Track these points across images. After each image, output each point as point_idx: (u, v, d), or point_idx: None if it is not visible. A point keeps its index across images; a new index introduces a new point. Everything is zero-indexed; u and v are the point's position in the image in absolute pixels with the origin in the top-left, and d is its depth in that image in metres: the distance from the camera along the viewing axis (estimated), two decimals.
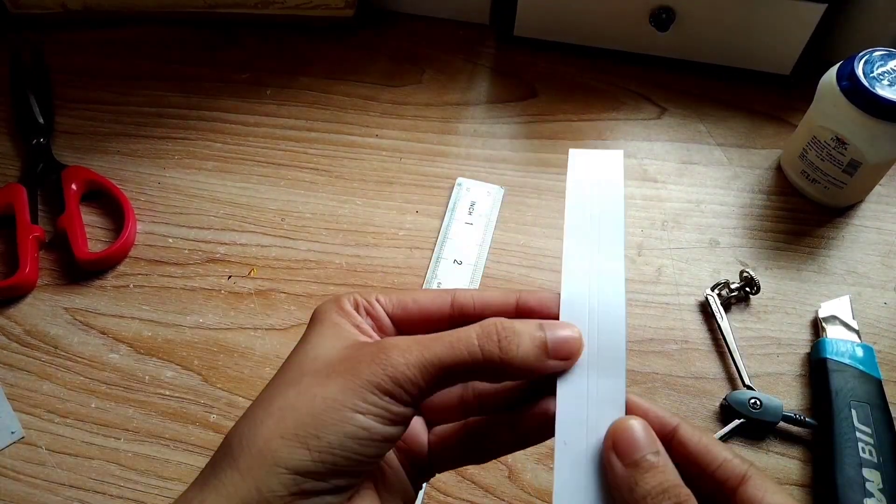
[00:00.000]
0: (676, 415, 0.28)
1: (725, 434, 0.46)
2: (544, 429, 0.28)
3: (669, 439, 0.27)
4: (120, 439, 0.46)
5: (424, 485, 0.44)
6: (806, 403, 0.48)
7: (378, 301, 0.30)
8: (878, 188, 0.57)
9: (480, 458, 0.32)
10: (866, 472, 0.43)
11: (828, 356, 0.47)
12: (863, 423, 0.45)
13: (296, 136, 0.60)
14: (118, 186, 0.56)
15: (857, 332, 0.49)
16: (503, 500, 0.44)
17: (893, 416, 0.46)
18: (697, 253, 0.54)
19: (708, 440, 0.27)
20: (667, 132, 0.61)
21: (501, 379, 0.29)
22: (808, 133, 0.54)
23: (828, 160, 0.53)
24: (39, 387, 0.48)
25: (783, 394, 0.48)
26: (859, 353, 0.48)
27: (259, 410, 0.26)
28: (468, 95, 0.63)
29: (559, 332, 0.28)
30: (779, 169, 0.58)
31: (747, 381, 0.47)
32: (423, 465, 0.31)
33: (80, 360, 0.49)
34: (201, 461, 0.45)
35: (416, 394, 0.26)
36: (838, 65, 0.51)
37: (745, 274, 0.51)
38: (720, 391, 0.48)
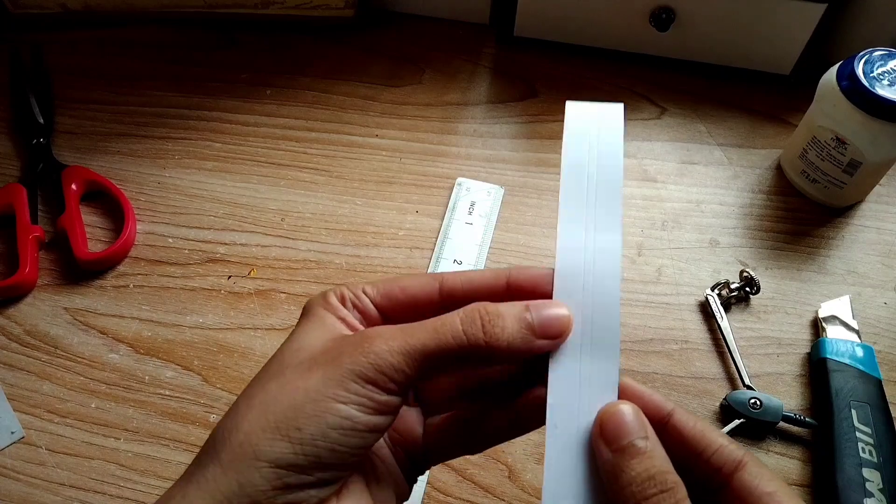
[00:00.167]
0: (671, 400, 0.27)
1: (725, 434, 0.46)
2: (539, 415, 0.27)
3: (664, 424, 0.26)
4: (120, 439, 0.46)
5: (425, 485, 0.44)
6: (806, 403, 0.48)
7: (365, 292, 0.29)
8: (878, 188, 0.57)
9: (476, 447, 0.31)
10: (866, 472, 0.43)
11: (828, 356, 0.47)
12: (863, 423, 0.45)
13: (296, 136, 0.60)
14: (118, 186, 0.56)
15: (857, 332, 0.49)
16: (503, 500, 0.44)
17: (893, 416, 0.46)
18: (697, 253, 0.54)
19: (703, 426, 0.26)
20: (667, 132, 0.61)
21: (491, 363, 0.28)
22: (808, 133, 0.54)
23: (828, 160, 0.53)
24: (39, 387, 0.48)
25: (783, 394, 0.48)
26: (859, 353, 0.48)
27: (242, 404, 0.26)
28: (468, 95, 0.63)
29: (546, 311, 0.27)
30: (779, 169, 0.58)
31: (747, 381, 0.47)
32: (418, 457, 0.31)
33: (80, 360, 0.49)
34: None
35: (401, 381, 0.26)
36: (838, 65, 0.51)
37: (745, 274, 0.51)
38: (720, 391, 0.48)
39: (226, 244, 0.54)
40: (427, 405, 0.31)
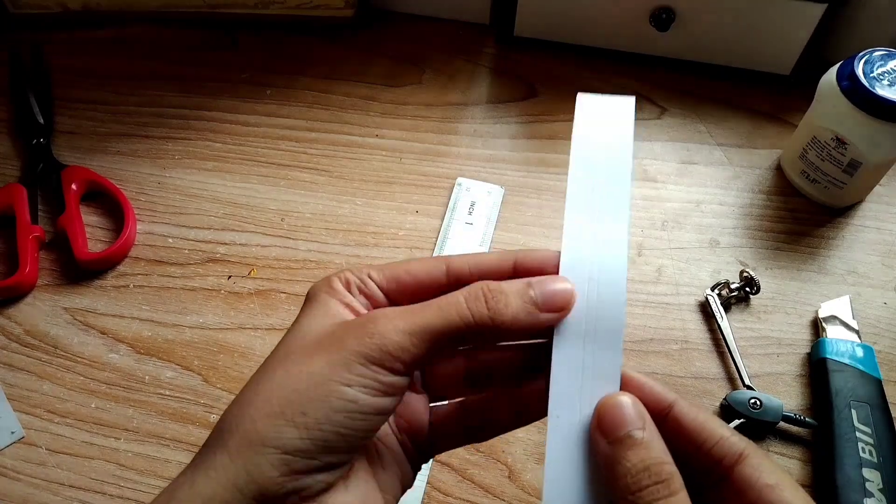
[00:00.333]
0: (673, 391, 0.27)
1: None
2: (543, 404, 0.27)
3: (665, 415, 0.26)
4: (120, 439, 0.46)
5: (425, 485, 0.44)
6: (806, 403, 0.48)
7: (370, 277, 0.29)
8: (878, 188, 0.57)
9: (481, 435, 0.31)
10: (866, 472, 0.43)
11: (828, 356, 0.47)
12: (863, 423, 0.45)
13: (296, 136, 0.60)
14: (118, 186, 0.56)
15: (857, 332, 0.49)
16: (503, 500, 0.44)
17: (893, 416, 0.46)
18: (697, 253, 0.54)
19: (705, 417, 0.26)
20: (667, 132, 0.61)
21: (497, 340, 0.28)
22: (808, 133, 0.54)
23: (828, 160, 0.53)
24: (39, 387, 0.48)
25: (783, 394, 0.48)
26: (859, 353, 0.48)
27: (248, 392, 0.26)
28: (468, 95, 0.63)
29: (549, 285, 0.27)
30: (779, 169, 0.58)
31: (747, 381, 0.47)
32: (424, 444, 0.31)
33: (80, 360, 0.49)
34: None
35: (406, 361, 0.25)
36: (838, 65, 0.51)
37: (745, 274, 0.51)
38: (720, 391, 0.48)
39: (226, 244, 0.54)
40: (433, 392, 0.31)
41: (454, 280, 0.29)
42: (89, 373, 0.48)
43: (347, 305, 0.28)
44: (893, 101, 0.48)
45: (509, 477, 0.45)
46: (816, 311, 0.51)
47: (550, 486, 0.26)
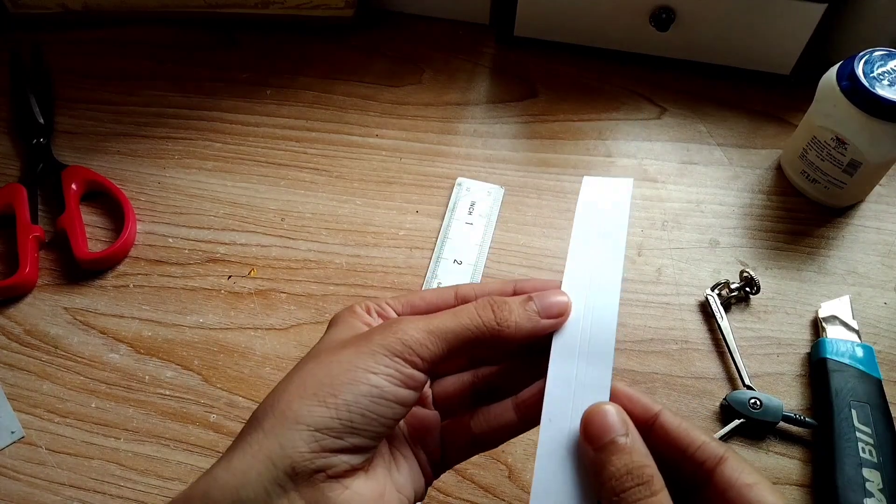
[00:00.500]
0: (671, 400, 0.30)
1: (725, 434, 0.46)
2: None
3: (651, 424, 0.29)
4: (120, 439, 0.46)
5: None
6: (806, 403, 0.48)
7: (389, 304, 0.33)
8: (878, 188, 0.57)
9: (490, 444, 0.33)
10: (866, 472, 0.43)
11: (828, 356, 0.47)
12: (863, 423, 0.45)
13: (296, 136, 0.60)
14: (118, 186, 0.56)
15: (857, 332, 0.49)
16: (503, 500, 0.44)
17: (893, 416, 0.46)
18: (697, 253, 0.54)
19: (688, 425, 0.28)
20: (667, 132, 0.61)
21: (503, 346, 0.30)
22: (808, 133, 0.54)
23: (828, 160, 0.53)
24: (39, 387, 0.48)
25: (783, 394, 0.48)
26: (859, 353, 0.48)
27: (282, 384, 0.29)
28: (468, 95, 0.63)
29: (547, 298, 0.31)
30: (779, 169, 0.58)
31: (747, 381, 0.47)
32: (437, 458, 0.33)
33: (80, 360, 0.49)
34: (201, 461, 0.45)
35: (425, 357, 0.28)
36: (838, 65, 0.51)
37: (745, 274, 0.51)
38: (720, 391, 0.48)
39: (226, 244, 0.54)
40: (443, 410, 0.34)
41: (461, 302, 0.33)
42: (89, 373, 0.48)
43: (367, 325, 0.31)
44: (893, 101, 0.48)
45: (509, 477, 0.45)
46: (816, 311, 0.51)
47: (539, 486, 0.28)
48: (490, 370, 0.34)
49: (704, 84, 0.63)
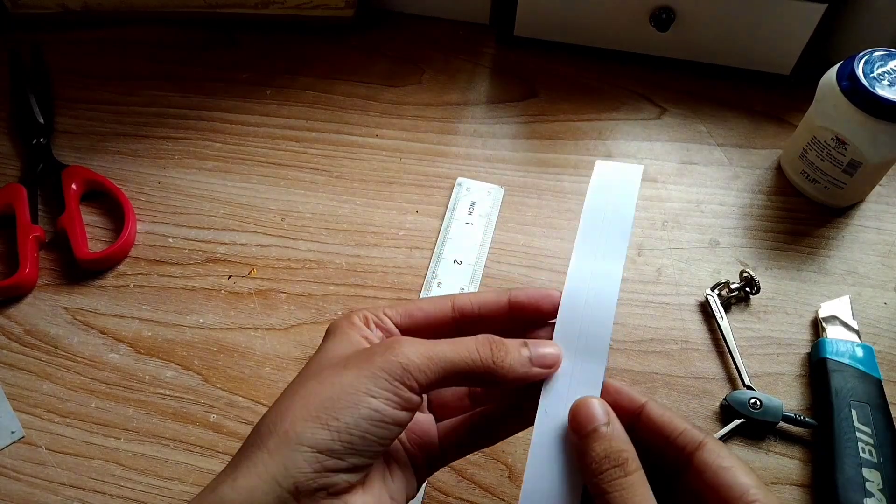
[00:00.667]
0: (670, 400, 0.32)
1: (725, 434, 0.46)
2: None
3: (637, 414, 0.31)
4: (120, 439, 0.46)
5: (425, 485, 0.44)
6: (806, 403, 0.48)
7: (386, 314, 0.33)
8: (878, 188, 0.57)
9: (488, 441, 0.35)
10: (866, 472, 0.43)
11: (828, 356, 0.47)
12: (863, 423, 0.45)
13: (296, 136, 0.60)
14: (118, 186, 0.56)
15: (857, 332, 0.49)
16: (503, 500, 0.44)
17: (893, 416, 0.46)
18: (697, 253, 0.54)
19: (671, 415, 0.31)
20: (667, 132, 0.61)
21: (494, 384, 0.32)
22: (808, 133, 0.54)
23: (828, 160, 0.53)
24: (39, 387, 0.48)
25: (783, 394, 0.48)
26: (859, 353, 0.48)
27: (285, 400, 0.29)
28: (468, 95, 0.63)
29: (541, 349, 0.32)
30: (779, 169, 0.58)
31: (747, 381, 0.47)
32: (435, 456, 0.35)
33: (80, 360, 0.49)
34: (201, 461, 0.45)
35: (422, 382, 0.29)
36: (838, 65, 0.51)
37: (745, 274, 0.51)
38: (720, 391, 0.48)
39: (226, 244, 0.54)
40: (441, 411, 0.35)
41: (458, 312, 0.34)
42: (89, 373, 0.48)
43: (366, 338, 0.32)
44: (893, 101, 0.48)
45: (509, 477, 0.45)
46: (816, 311, 0.51)
47: (532, 471, 0.30)
48: None
49: (704, 84, 0.63)
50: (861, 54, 0.50)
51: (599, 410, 0.30)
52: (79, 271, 0.53)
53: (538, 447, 0.31)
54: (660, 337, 0.50)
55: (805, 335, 0.50)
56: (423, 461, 0.34)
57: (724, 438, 0.46)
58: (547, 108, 0.62)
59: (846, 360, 0.47)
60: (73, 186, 0.55)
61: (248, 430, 0.31)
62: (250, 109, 0.61)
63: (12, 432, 0.46)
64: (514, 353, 0.31)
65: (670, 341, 0.50)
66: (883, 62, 0.49)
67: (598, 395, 0.31)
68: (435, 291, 0.51)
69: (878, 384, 0.47)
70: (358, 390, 0.28)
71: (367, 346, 0.32)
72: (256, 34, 0.66)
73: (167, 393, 0.48)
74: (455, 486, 0.45)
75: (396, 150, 0.59)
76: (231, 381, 0.48)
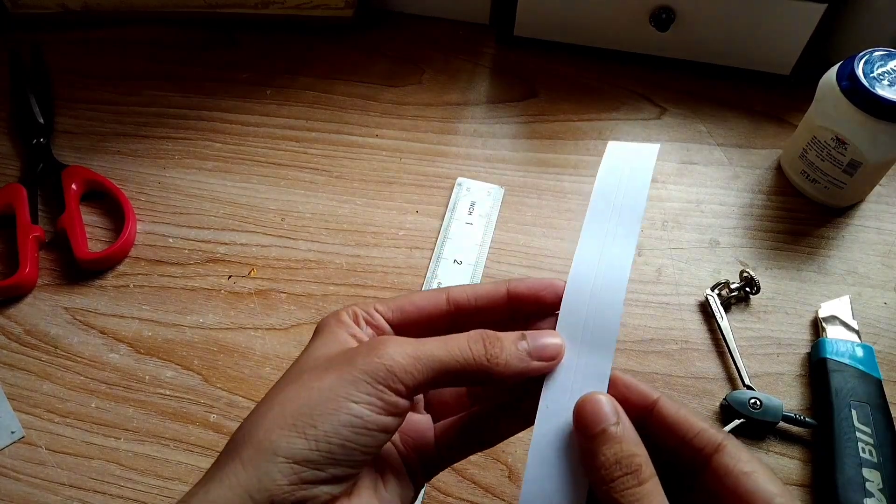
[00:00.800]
0: (657, 389, 0.29)
1: None
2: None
3: (650, 411, 0.28)
4: (120, 439, 0.46)
5: (425, 485, 0.44)
6: (806, 403, 0.48)
7: (376, 310, 0.31)
8: (878, 188, 0.57)
9: (487, 443, 0.32)
10: (866, 472, 0.43)
11: (828, 356, 0.47)
12: (863, 423, 0.45)
13: (296, 136, 0.60)
14: (118, 186, 0.56)
15: (857, 332, 0.49)
16: (503, 500, 0.44)
17: (893, 416, 0.46)
18: (697, 253, 0.54)
19: (687, 412, 0.28)
20: (667, 132, 0.61)
21: (491, 382, 0.29)
22: (808, 133, 0.54)
23: (828, 160, 0.53)
24: (39, 387, 0.48)
25: (783, 394, 0.48)
26: (859, 353, 0.48)
27: (262, 407, 0.27)
28: (468, 95, 0.63)
29: (541, 339, 0.29)
30: (779, 169, 0.58)
31: (747, 381, 0.47)
32: (431, 460, 0.32)
33: (80, 360, 0.49)
34: (201, 461, 0.45)
35: (409, 384, 0.27)
36: (838, 65, 0.51)
37: (745, 274, 0.51)
38: (720, 391, 0.48)
39: (226, 244, 0.54)
40: (437, 411, 0.33)
41: (454, 306, 0.31)
42: (89, 373, 0.48)
43: (354, 336, 0.30)
44: (893, 101, 0.48)
45: (509, 477, 0.45)
46: (816, 311, 0.51)
47: (532, 471, 0.28)
48: None
49: (704, 84, 0.63)
50: (861, 54, 0.50)
51: (608, 408, 0.27)
52: (79, 271, 0.53)
53: (539, 446, 0.28)
54: (660, 337, 0.50)
55: (805, 335, 0.50)
56: (419, 465, 0.32)
57: None
58: (547, 108, 0.62)
59: (846, 360, 0.47)
60: (73, 186, 0.55)
61: None
62: (250, 109, 0.61)
63: (12, 432, 0.46)
64: (511, 348, 0.29)
65: (670, 341, 0.50)
66: (883, 62, 0.49)
67: (606, 391, 0.29)
68: None
69: (878, 384, 0.47)
70: (338, 395, 0.26)
71: (356, 344, 0.29)
72: (256, 34, 0.66)
73: (167, 393, 0.48)
74: (455, 486, 0.45)
75: (396, 150, 0.59)
76: (231, 381, 0.48)
